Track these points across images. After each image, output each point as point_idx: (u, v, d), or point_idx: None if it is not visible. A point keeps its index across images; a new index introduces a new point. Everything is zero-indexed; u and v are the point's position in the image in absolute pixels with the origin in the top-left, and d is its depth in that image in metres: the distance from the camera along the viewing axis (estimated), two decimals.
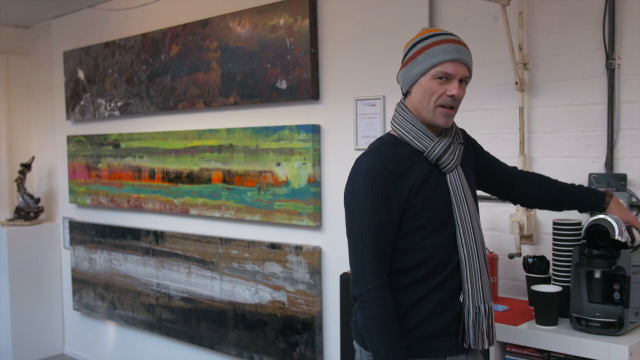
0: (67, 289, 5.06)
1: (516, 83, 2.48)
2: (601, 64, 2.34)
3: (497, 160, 2.08)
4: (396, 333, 1.66)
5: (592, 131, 2.38)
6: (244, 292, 3.53)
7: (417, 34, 1.77)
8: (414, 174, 1.71)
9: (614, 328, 1.93)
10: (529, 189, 2.07)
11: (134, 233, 4.25)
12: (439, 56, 1.69)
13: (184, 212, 3.89)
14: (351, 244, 1.70)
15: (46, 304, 5.07)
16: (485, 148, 2.07)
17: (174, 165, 3.93)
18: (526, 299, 2.37)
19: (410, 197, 1.69)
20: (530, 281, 2.30)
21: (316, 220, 3.18)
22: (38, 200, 5.16)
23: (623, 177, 2.28)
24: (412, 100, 1.76)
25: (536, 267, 2.33)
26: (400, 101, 1.81)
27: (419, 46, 1.72)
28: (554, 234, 2.21)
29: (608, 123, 2.33)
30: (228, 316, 3.63)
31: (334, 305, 3.14)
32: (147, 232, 4.15)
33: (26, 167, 5.16)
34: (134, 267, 4.27)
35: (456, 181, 1.76)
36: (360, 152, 1.80)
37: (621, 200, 2.08)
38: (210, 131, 3.68)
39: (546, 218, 2.47)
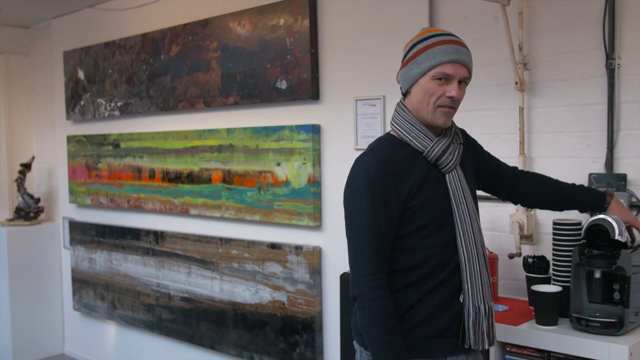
0: (67, 289, 5.06)
1: (516, 83, 2.48)
2: (601, 64, 2.34)
3: (498, 160, 2.08)
4: (396, 333, 1.66)
5: (592, 131, 2.38)
6: (244, 292, 3.53)
7: (418, 34, 1.77)
8: (414, 174, 1.71)
9: (614, 328, 1.93)
10: (529, 189, 2.07)
11: (134, 233, 4.25)
12: (438, 57, 1.68)
13: (184, 212, 3.89)
14: (350, 244, 1.70)
15: (46, 304, 5.07)
16: (485, 148, 2.07)
17: (174, 165, 3.93)
18: (526, 299, 2.37)
19: (409, 197, 1.69)
20: (530, 281, 2.30)
21: (316, 220, 3.18)
22: (38, 200, 5.16)
23: (623, 177, 2.28)
24: (412, 100, 1.76)
25: (536, 267, 2.33)
26: (400, 101, 1.82)
27: (418, 46, 1.72)
28: (554, 234, 2.21)
29: (608, 123, 2.33)
30: (228, 316, 3.63)
31: (334, 305, 3.14)
32: (147, 232, 4.15)
33: (26, 167, 5.17)
34: (134, 267, 4.27)
35: (455, 181, 1.76)
36: (360, 152, 1.80)
37: (621, 200, 2.08)
38: (210, 131, 3.68)
39: (546, 218, 2.47)
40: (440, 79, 1.70)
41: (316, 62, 3.17)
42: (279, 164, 3.30)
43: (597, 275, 2.01)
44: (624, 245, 1.95)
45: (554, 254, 2.22)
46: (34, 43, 5.31)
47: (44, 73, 5.21)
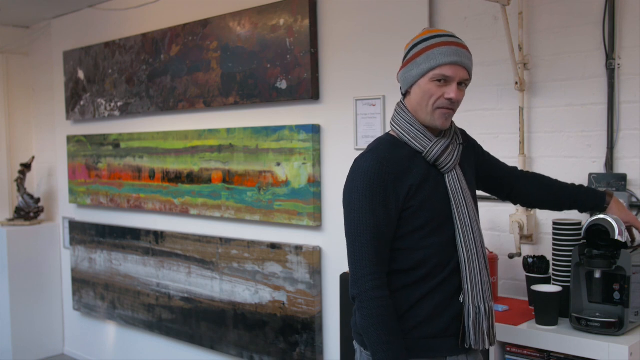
0: (67, 289, 5.06)
1: (516, 83, 2.48)
2: (601, 64, 2.34)
3: (497, 161, 2.08)
4: (395, 333, 1.66)
5: (592, 131, 2.38)
6: (244, 292, 3.53)
7: (419, 34, 1.76)
8: (413, 175, 1.71)
9: (614, 328, 1.93)
10: (529, 189, 2.07)
11: (134, 233, 4.25)
12: (438, 59, 1.68)
13: (184, 212, 3.89)
14: (350, 244, 1.70)
15: (46, 304, 5.07)
16: (485, 148, 2.07)
17: (174, 165, 3.93)
18: (526, 299, 2.37)
19: (408, 197, 1.69)
20: (530, 281, 2.30)
21: (316, 220, 3.18)
22: (38, 200, 5.16)
23: (623, 177, 2.28)
24: (411, 101, 1.76)
25: (536, 267, 2.33)
26: (400, 101, 1.81)
27: (419, 47, 1.72)
28: (554, 234, 2.21)
29: (608, 123, 2.33)
30: (228, 316, 3.63)
31: (334, 305, 3.14)
32: (147, 232, 4.15)
33: (26, 167, 5.16)
34: (134, 267, 4.27)
35: (455, 181, 1.76)
36: (360, 152, 1.80)
37: (621, 200, 2.08)
38: (210, 131, 3.68)
39: (546, 218, 2.47)
40: (439, 80, 1.69)
41: (316, 62, 3.17)
42: (279, 164, 3.30)
43: (597, 275, 2.01)
44: (624, 245, 1.95)
45: (554, 254, 2.22)
46: (34, 43, 5.31)
47: (44, 73, 5.21)
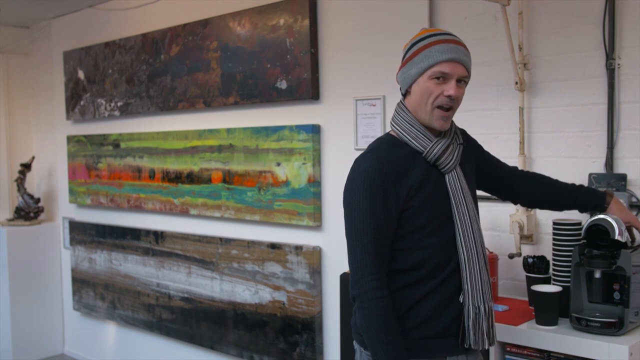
0: (67, 289, 5.06)
1: (516, 83, 2.48)
2: (601, 64, 2.34)
3: (498, 161, 2.08)
4: (395, 333, 1.66)
5: (592, 131, 2.38)
6: (244, 292, 3.53)
7: (416, 34, 1.77)
8: (413, 175, 1.71)
9: (614, 328, 1.93)
10: (529, 189, 2.07)
11: (134, 233, 4.25)
12: (435, 56, 1.69)
13: (184, 212, 3.89)
14: (350, 244, 1.70)
15: (46, 304, 5.07)
16: (485, 148, 2.07)
17: (174, 165, 3.93)
18: (526, 299, 2.37)
19: (408, 197, 1.69)
20: (530, 281, 2.30)
21: (316, 220, 3.18)
22: (38, 200, 5.16)
23: (623, 177, 2.28)
24: (411, 100, 1.76)
25: (536, 267, 2.33)
26: (400, 101, 1.82)
27: (416, 46, 1.73)
28: (554, 234, 2.21)
29: (608, 123, 2.33)
30: (228, 316, 3.63)
31: (334, 305, 3.14)
32: (147, 232, 4.15)
33: (26, 167, 5.16)
34: (134, 267, 4.27)
35: (455, 181, 1.76)
36: (360, 152, 1.80)
37: (621, 200, 2.08)
38: (210, 131, 3.68)
39: (546, 218, 2.47)
40: (438, 78, 1.70)
41: (316, 62, 3.17)
42: (279, 164, 3.30)
43: (597, 275, 2.01)
44: (624, 245, 1.95)
45: (554, 254, 2.22)
46: (34, 43, 5.31)
47: (44, 73, 5.21)
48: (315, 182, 3.17)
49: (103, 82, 4.44)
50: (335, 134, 3.15)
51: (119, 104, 4.32)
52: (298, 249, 3.25)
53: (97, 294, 4.62)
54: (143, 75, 4.10)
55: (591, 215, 2.03)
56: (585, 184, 2.32)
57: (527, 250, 2.53)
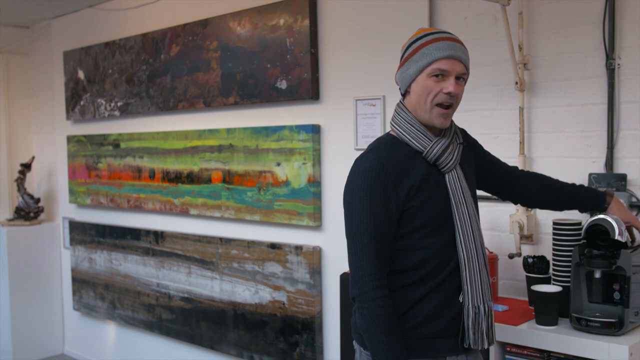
0: (67, 289, 5.06)
1: (516, 83, 2.48)
2: (601, 64, 2.34)
3: (498, 160, 2.08)
4: (395, 333, 1.66)
5: (592, 131, 2.38)
6: (244, 292, 3.53)
7: (414, 34, 1.77)
8: (413, 175, 1.71)
9: (614, 328, 1.93)
10: (529, 189, 2.07)
11: (134, 233, 4.25)
12: (433, 54, 1.69)
13: (184, 212, 3.89)
14: (350, 244, 1.70)
15: (46, 304, 5.07)
16: (485, 148, 2.07)
17: (174, 165, 3.93)
18: (526, 299, 2.37)
19: (409, 197, 1.69)
20: (530, 281, 2.30)
21: (316, 220, 3.18)
22: (38, 200, 5.16)
23: (623, 177, 2.28)
24: (411, 100, 1.76)
25: (536, 267, 2.33)
26: (400, 101, 1.82)
27: (414, 45, 1.73)
28: (554, 234, 2.21)
29: (608, 123, 2.33)
30: (228, 316, 3.63)
31: (334, 305, 3.14)
32: (147, 232, 4.15)
33: (26, 167, 5.16)
34: (134, 267, 4.27)
35: (455, 181, 1.76)
36: (360, 152, 1.80)
37: (621, 200, 2.08)
38: (210, 131, 3.68)
39: (546, 218, 2.47)
40: (437, 75, 1.70)
41: (316, 62, 3.17)
42: (279, 164, 3.30)
43: (597, 275, 2.01)
44: (624, 245, 1.95)
45: (554, 254, 2.22)
46: (34, 43, 5.31)
47: (44, 73, 5.21)
48: (315, 182, 3.17)
49: (103, 82, 4.44)
50: (335, 134, 3.15)
51: (119, 104, 4.32)
52: (298, 249, 3.25)
53: (97, 294, 4.62)
54: (143, 75, 4.10)
55: (591, 215, 2.03)
56: (585, 184, 2.32)
57: (527, 250, 2.53)
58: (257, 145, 3.41)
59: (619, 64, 2.30)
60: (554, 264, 2.22)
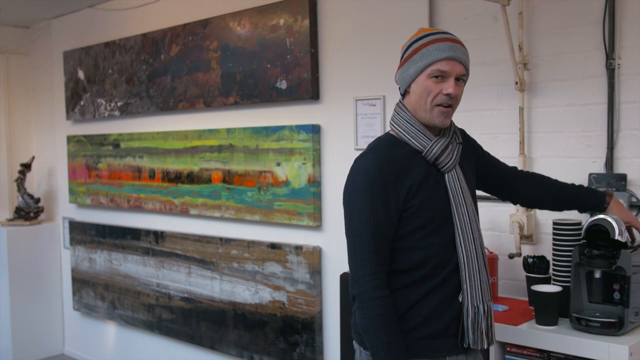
0: (67, 289, 5.06)
1: (516, 83, 2.48)
2: (601, 64, 2.34)
3: (497, 161, 2.08)
4: (395, 333, 1.66)
5: (592, 131, 2.38)
6: (244, 292, 3.53)
7: (414, 34, 1.77)
8: (413, 174, 1.71)
9: (614, 328, 1.93)
10: (529, 189, 2.07)
11: (134, 233, 4.25)
12: (433, 55, 1.69)
13: (184, 212, 3.89)
14: (350, 244, 1.70)
15: (46, 304, 5.07)
16: (485, 148, 2.07)
17: (174, 165, 3.93)
18: (526, 299, 2.37)
19: (408, 197, 1.69)
20: (530, 281, 2.30)
21: (316, 220, 3.18)
22: (38, 200, 5.16)
23: (623, 177, 2.28)
24: (410, 100, 1.76)
25: (536, 267, 2.33)
26: (399, 101, 1.82)
27: (414, 46, 1.73)
28: (554, 234, 2.21)
29: (608, 123, 2.33)
30: (228, 316, 3.63)
31: (334, 305, 3.14)
32: (147, 232, 4.15)
33: (26, 167, 5.16)
34: (134, 267, 4.27)
35: (454, 181, 1.76)
36: (360, 152, 1.80)
37: (621, 200, 2.08)
38: (210, 131, 3.68)
39: (546, 218, 2.47)
40: (436, 76, 1.70)
41: (316, 62, 3.17)
42: (279, 164, 3.30)
43: (597, 275, 2.01)
44: (624, 245, 1.95)
45: (554, 254, 2.22)
46: (34, 43, 5.31)
47: (44, 73, 5.21)
48: (315, 182, 3.17)
49: (103, 82, 4.44)
50: (335, 134, 3.15)
51: (119, 104, 4.32)
52: (298, 249, 3.25)
53: (97, 294, 4.62)
54: (143, 75, 4.10)
55: (591, 215, 2.03)
56: (585, 184, 2.32)
57: (527, 250, 2.53)
58: (257, 145, 3.41)
59: (619, 64, 2.30)
60: (554, 264, 2.22)
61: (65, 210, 5.02)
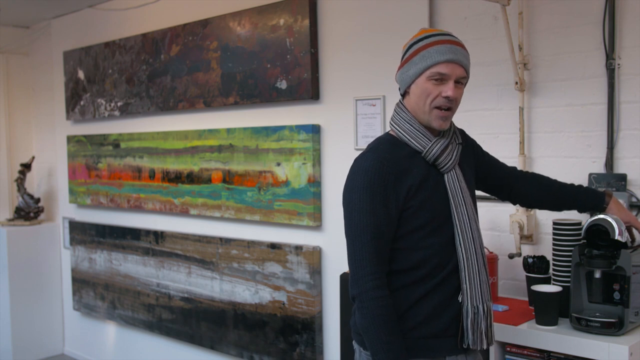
0: (67, 289, 5.06)
1: (516, 83, 2.48)
2: (601, 64, 2.34)
3: (497, 161, 2.08)
4: (395, 333, 1.66)
5: (592, 131, 2.38)
6: (244, 292, 3.53)
7: (415, 34, 1.77)
8: (413, 174, 1.71)
9: (614, 328, 1.93)
10: (528, 189, 2.07)
11: (134, 233, 4.25)
12: (434, 57, 1.69)
13: (184, 212, 3.89)
14: (350, 244, 1.70)
15: (46, 304, 5.07)
16: (485, 148, 2.07)
17: (174, 165, 3.93)
18: (526, 299, 2.37)
19: (408, 197, 1.69)
20: (530, 281, 2.30)
21: (316, 220, 3.18)
22: (38, 200, 5.16)
23: (623, 177, 2.28)
24: (410, 101, 1.77)
25: (536, 267, 2.33)
26: (399, 101, 1.82)
27: (415, 47, 1.73)
28: (554, 234, 2.21)
29: (608, 123, 2.33)
30: (228, 316, 3.63)
31: (334, 305, 3.14)
32: (147, 232, 4.15)
33: (26, 167, 5.16)
34: (134, 267, 4.27)
35: (454, 181, 1.76)
36: (360, 152, 1.80)
37: (621, 200, 2.08)
38: (210, 131, 3.68)
39: (546, 218, 2.47)
40: (436, 79, 1.70)
41: (316, 62, 3.17)
42: (279, 164, 3.30)
43: (597, 275, 2.01)
44: (624, 245, 1.95)
45: (554, 254, 2.22)
46: (34, 43, 5.31)
47: (44, 73, 5.21)
48: (315, 182, 3.17)
49: (103, 82, 4.44)
50: (335, 134, 3.15)
51: (119, 104, 4.32)
52: (298, 249, 3.25)
53: (97, 294, 4.62)
54: (143, 75, 4.10)
55: (591, 215, 2.03)
56: (585, 184, 2.32)
57: (527, 250, 2.53)
58: (257, 145, 3.41)
59: (619, 64, 2.30)
60: (554, 264, 2.22)
61: (65, 210, 5.02)
